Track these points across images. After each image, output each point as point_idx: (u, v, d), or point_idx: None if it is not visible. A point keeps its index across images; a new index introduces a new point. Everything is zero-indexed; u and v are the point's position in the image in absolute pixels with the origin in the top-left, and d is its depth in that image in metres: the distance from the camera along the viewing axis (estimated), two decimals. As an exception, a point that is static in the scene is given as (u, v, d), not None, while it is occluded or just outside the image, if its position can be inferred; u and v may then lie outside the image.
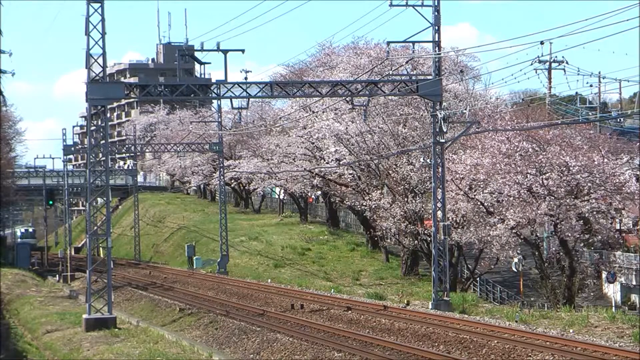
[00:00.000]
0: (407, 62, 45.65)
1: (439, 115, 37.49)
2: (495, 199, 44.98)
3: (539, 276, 46.52)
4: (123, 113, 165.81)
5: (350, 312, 35.42)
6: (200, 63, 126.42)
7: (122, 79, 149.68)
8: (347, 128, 56.07)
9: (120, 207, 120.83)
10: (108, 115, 45.86)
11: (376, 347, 27.35)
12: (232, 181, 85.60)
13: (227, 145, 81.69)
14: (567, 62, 69.80)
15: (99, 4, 37.44)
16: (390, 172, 52.80)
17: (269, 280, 52.87)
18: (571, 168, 43.39)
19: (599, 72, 72.72)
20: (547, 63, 69.72)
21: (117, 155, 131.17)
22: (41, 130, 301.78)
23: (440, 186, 38.47)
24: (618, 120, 66.98)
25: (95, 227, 39.28)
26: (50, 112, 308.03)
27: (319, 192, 75.56)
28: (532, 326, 29.62)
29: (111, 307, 38.12)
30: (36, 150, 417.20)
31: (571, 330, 28.74)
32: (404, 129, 53.19)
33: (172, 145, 77.37)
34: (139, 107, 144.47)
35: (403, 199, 50.99)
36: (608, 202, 44.03)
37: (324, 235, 72.23)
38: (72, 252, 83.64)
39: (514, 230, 43.79)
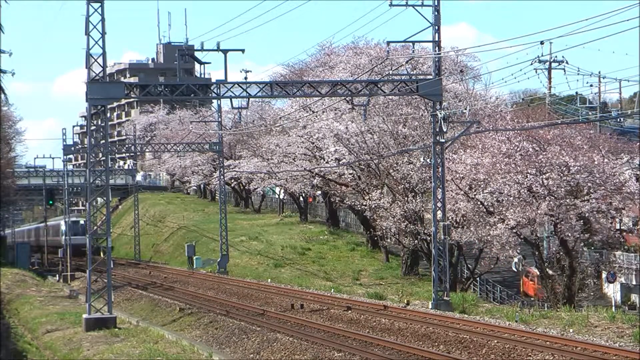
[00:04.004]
0: (407, 62, 45.64)
1: (439, 115, 37.49)
2: (495, 199, 44.98)
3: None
4: (123, 113, 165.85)
5: (350, 312, 35.42)
6: (200, 63, 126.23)
7: (122, 79, 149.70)
8: (347, 128, 56.07)
9: (120, 207, 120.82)
10: (108, 115, 45.84)
11: (376, 347, 27.35)
12: (232, 181, 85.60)
13: (227, 145, 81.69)
14: (567, 62, 69.94)
15: (99, 4, 37.44)
16: (390, 171, 52.80)
17: (269, 280, 52.86)
18: (571, 168, 43.40)
19: (599, 72, 72.88)
20: (547, 63, 69.80)
21: (117, 155, 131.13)
22: (41, 130, 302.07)
23: (440, 186, 38.46)
24: (618, 120, 67.02)
25: (95, 227, 39.30)
26: (50, 112, 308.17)
27: (319, 192, 75.54)
28: (532, 326, 29.62)
29: (111, 307, 38.12)
30: (36, 150, 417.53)
31: (571, 330, 28.73)
32: (404, 128, 53.18)
33: (172, 145, 77.35)
34: (139, 107, 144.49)
35: (403, 198, 50.98)
36: (608, 201, 44.03)
37: (324, 235, 72.21)
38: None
39: (514, 230, 43.79)
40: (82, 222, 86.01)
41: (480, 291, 53.87)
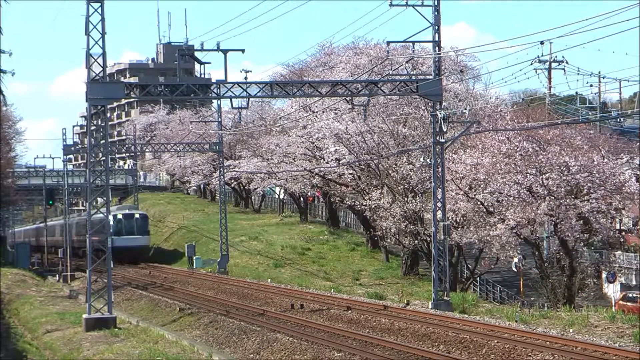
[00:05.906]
0: (407, 62, 45.65)
1: (439, 115, 37.49)
2: (495, 199, 45.00)
3: (539, 276, 46.53)
4: (123, 113, 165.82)
5: (350, 312, 35.41)
6: (200, 63, 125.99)
7: (122, 79, 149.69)
8: (347, 128, 56.06)
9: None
10: (108, 115, 45.83)
11: (376, 347, 27.35)
12: (232, 181, 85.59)
13: (227, 145, 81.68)
14: (567, 62, 69.93)
15: (99, 4, 37.41)
16: (390, 171, 52.80)
17: (269, 280, 52.87)
18: (571, 168, 43.41)
19: (599, 72, 72.90)
20: (547, 63, 69.79)
21: (117, 155, 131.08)
22: (41, 130, 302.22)
23: (440, 186, 38.46)
24: (618, 120, 67.00)
25: (96, 227, 39.27)
26: (50, 112, 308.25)
27: (319, 192, 75.51)
28: (532, 326, 29.62)
29: (111, 307, 38.11)
30: (36, 150, 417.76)
31: (571, 330, 28.73)
32: (404, 128, 53.19)
33: (172, 145, 77.38)
34: (139, 107, 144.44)
35: (403, 198, 50.98)
36: (608, 201, 44.05)
37: (324, 235, 72.21)
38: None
39: (514, 230, 43.79)
40: (137, 215, 74.05)
41: (480, 291, 53.88)
